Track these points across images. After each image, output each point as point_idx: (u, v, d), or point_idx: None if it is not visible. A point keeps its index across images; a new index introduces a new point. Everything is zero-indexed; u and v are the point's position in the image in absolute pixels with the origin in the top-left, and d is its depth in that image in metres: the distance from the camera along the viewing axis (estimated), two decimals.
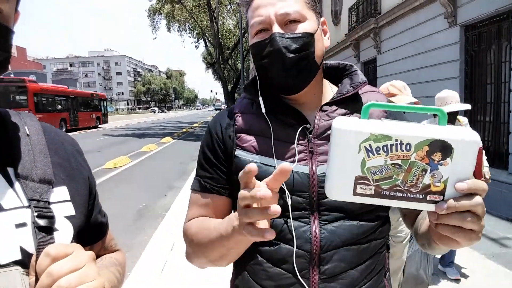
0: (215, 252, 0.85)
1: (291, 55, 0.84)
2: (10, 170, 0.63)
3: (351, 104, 0.92)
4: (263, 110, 0.91)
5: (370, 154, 0.57)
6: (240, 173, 0.62)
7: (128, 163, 11.12)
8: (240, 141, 0.93)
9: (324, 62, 1.00)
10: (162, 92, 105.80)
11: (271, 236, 0.62)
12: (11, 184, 0.62)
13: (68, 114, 24.19)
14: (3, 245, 0.56)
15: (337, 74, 1.02)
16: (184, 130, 25.88)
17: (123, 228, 5.24)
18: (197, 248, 0.90)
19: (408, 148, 0.56)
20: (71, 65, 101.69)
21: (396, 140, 0.56)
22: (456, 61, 6.47)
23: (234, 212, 0.97)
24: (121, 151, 13.68)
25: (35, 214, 0.60)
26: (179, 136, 20.89)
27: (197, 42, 31.46)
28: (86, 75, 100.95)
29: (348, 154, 0.58)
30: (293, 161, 0.86)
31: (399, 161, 0.57)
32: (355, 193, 0.59)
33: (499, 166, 5.57)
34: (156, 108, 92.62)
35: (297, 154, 0.87)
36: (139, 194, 7.25)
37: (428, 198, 0.57)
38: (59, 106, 23.47)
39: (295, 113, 0.91)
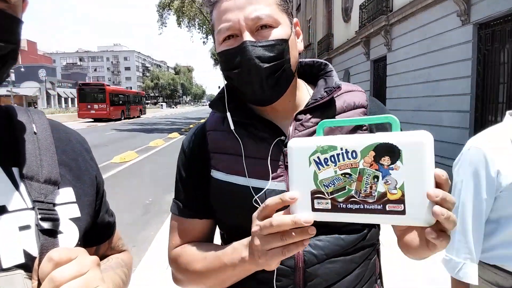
0: (216, 280, 0.82)
1: (265, 65, 0.77)
2: (15, 170, 0.61)
3: (326, 110, 0.85)
4: (232, 127, 0.85)
5: (319, 166, 0.57)
6: (271, 201, 0.61)
7: (135, 158, 11.19)
8: (214, 162, 0.88)
9: (299, 60, 0.92)
10: (170, 88, 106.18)
11: (311, 234, 0.61)
12: (15, 185, 0.60)
13: (125, 107, 33.56)
14: (7, 248, 0.55)
15: (312, 72, 0.95)
16: (191, 125, 25.94)
17: (130, 223, 5.27)
18: (194, 277, 0.87)
19: (354, 155, 0.55)
20: (80, 60, 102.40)
21: (341, 148, 0.56)
22: (468, 60, 6.37)
23: (220, 231, 0.96)
24: (128, 146, 13.76)
25: (39, 216, 0.58)
26: (186, 132, 20.92)
27: (205, 38, 31.44)
28: (95, 70, 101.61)
29: (301, 170, 0.59)
30: (268, 179, 0.81)
31: (348, 170, 0.55)
32: (313, 209, 0.59)
33: None
34: (164, 104, 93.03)
35: (270, 172, 0.81)
36: (146, 189, 7.28)
37: (387, 209, 0.53)
38: (121, 102, 32.72)
39: (268, 125, 0.85)
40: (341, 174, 0.56)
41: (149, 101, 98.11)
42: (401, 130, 0.56)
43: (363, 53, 11.79)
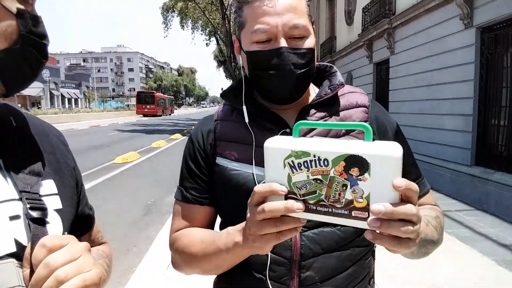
0: (210, 264, 0.86)
1: (298, 71, 0.84)
2: (0, 161, 0.62)
3: (330, 106, 0.91)
4: (247, 120, 0.90)
5: (293, 169, 0.60)
6: (260, 188, 0.62)
7: (137, 158, 11.20)
8: (220, 149, 0.93)
9: None
10: (173, 89, 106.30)
11: (299, 225, 0.63)
12: (4, 176, 0.61)
13: (163, 108, 47.99)
14: None
15: (318, 74, 1.00)
16: (194, 127, 25.94)
17: (131, 223, 5.28)
18: (190, 260, 0.90)
19: (326, 163, 0.57)
20: (84, 61, 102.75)
21: (314, 156, 0.58)
22: (471, 64, 6.34)
23: (221, 218, 0.99)
24: (131, 146, 13.78)
25: (28, 206, 0.59)
26: (189, 133, 20.91)
27: (208, 39, 31.53)
28: (98, 71, 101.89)
29: (276, 170, 0.61)
30: None
31: (319, 176, 0.58)
32: None
33: None
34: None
35: None
36: (148, 189, 7.29)
37: (353, 214, 0.57)
38: (162, 103, 47.39)
39: (274, 117, 0.91)
40: (313, 179, 0.59)
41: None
42: (373, 139, 0.59)
43: (366, 56, 11.78)
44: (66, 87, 58.65)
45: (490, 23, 5.93)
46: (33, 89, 46.35)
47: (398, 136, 0.94)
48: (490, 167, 5.91)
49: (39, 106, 46.13)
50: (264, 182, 0.63)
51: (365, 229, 0.57)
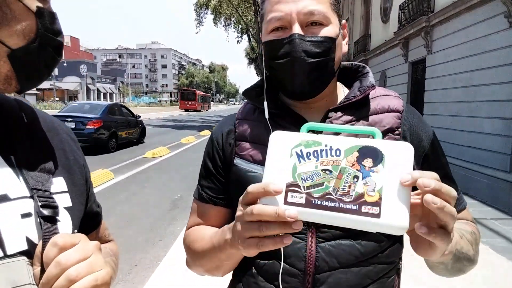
0: (210, 262, 0.83)
1: (311, 60, 0.78)
2: (12, 158, 0.62)
3: (358, 110, 0.84)
4: (267, 116, 0.85)
5: (301, 159, 0.57)
6: (254, 188, 0.57)
7: (167, 153, 11.41)
8: (239, 149, 0.89)
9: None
10: (204, 86, 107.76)
11: (286, 241, 0.57)
12: (16, 173, 0.61)
13: (202, 104, 53.61)
14: (11, 235, 0.56)
15: (350, 74, 0.95)
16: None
17: (158, 217, 5.36)
18: (194, 257, 0.89)
19: (338, 153, 0.55)
20: (119, 56, 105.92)
21: (326, 145, 0.56)
22: None
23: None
24: (161, 141, 14.04)
25: (39, 203, 0.59)
26: None
27: (240, 37, 31.64)
28: (133, 66, 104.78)
29: (280, 160, 0.58)
30: None
31: (329, 167, 0.55)
32: (286, 202, 0.56)
33: None
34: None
35: None
36: (176, 184, 7.40)
37: (363, 210, 0.52)
38: (201, 100, 53.25)
39: (298, 119, 0.85)
40: (322, 170, 0.55)
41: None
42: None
43: (401, 55, 11.43)
44: (102, 82, 60.62)
45: None
46: (71, 83, 48.31)
47: (434, 146, 0.87)
48: None
49: (76, 99, 47.97)
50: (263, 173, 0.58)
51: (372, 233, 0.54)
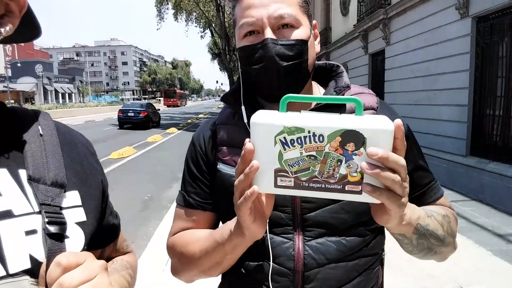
0: (209, 261, 0.82)
1: (285, 63, 0.79)
2: (22, 172, 0.60)
3: (335, 109, 0.85)
4: (245, 120, 0.86)
5: (285, 146, 0.58)
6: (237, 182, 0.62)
7: (133, 153, 11.17)
8: (222, 155, 0.89)
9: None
10: (167, 82, 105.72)
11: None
12: (22, 188, 0.59)
13: (181, 100, 64.36)
14: (13, 254, 0.53)
15: (324, 74, 0.97)
16: (189, 121, 25.89)
17: (129, 219, 5.26)
18: (188, 260, 0.87)
19: (321, 139, 0.56)
20: (77, 55, 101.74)
21: (309, 132, 0.57)
22: (466, 54, 6.34)
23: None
24: (126, 141, 13.72)
25: (46, 220, 0.57)
26: (184, 127, 20.90)
27: (203, 32, 31.26)
28: (92, 65, 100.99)
29: (265, 148, 0.59)
30: None
31: (314, 153, 0.57)
32: (276, 185, 0.60)
33: (508, 161, 5.49)
34: (161, 99, 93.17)
35: None
36: (144, 185, 7.27)
37: (346, 189, 0.58)
38: (180, 97, 63.38)
39: None
40: (307, 156, 0.58)
41: (146, 96, 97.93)
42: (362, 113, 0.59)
43: (361, 47, 11.74)
44: (60, 82, 58.13)
45: (485, 12, 5.91)
46: (26, 85, 45.95)
47: (408, 139, 0.89)
48: (485, 157, 5.95)
49: (33, 101, 45.75)
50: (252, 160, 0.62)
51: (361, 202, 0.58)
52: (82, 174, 0.70)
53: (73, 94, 62.09)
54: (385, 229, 0.88)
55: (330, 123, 0.56)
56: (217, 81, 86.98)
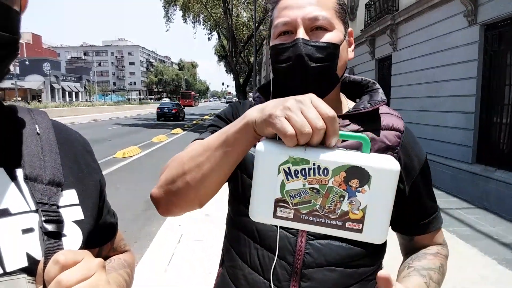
0: (211, 154, 0.70)
1: (313, 64, 0.79)
2: (19, 171, 0.60)
3: (366, 121, 0.86)
4: None
5: (289, 177, 0.57)
6: None
7: (138, 153, 11.21)
8: None
9: (347, 75, 0.96)
10: (174, 83, 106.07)
11: None
12: (18, 187, 0.59)
13: (194, 101, 75.52)
14: (9, 252, 0.54)
15: (357, 90, 0.97)
16: (194, 122, 25.96)
17: (132, 218, 5.28)
18: (183, 161, 0.74)
19: (325, 172, 0.56)
20: (85, 54, 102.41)
21: (314, 164, 0.56)
22: (474, 61, 6.31)
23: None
24: (131, 141, 13.77)
25: (43, 218, 0.57)
26: (189, 128, 20.95)
27: (210, 34, 31.38)
28: (99, 64, 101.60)
29: (268, 176, 0.58)
30: None
31: (317, 186, 0.56)
32: (275, 216, 0.59)
33: None
34: (167, 99, 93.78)
35: None
36: (149, 184, 7.25)
37: (347, 226, 0.57)
38: (193, 99, 73.61)
39: None
40: (309, 188, 0.57)
41: (152, 96, 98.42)
42: (370, 151, 0.58)
43: (368, 52, 11.73)
44: (67, 81, 58.55)
45: (494, 20, 5.89)
46: (34, 82, 46.32)
47: (424, 172, 0.91)
48: (492, 165, 5.90)
49: (40, 99, 46.07)
50: (251, 188, 0.59)
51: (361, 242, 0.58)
52: (79, 173, 0.70)
53: (80, 93, 62.52)
54: (386, 244, 0.89)
55: (336, 157, 0.56)
56: (223, 83, 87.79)
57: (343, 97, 0.95)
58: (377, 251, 0.88)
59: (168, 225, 4.78)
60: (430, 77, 7.74)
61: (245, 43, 29.05)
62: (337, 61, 0.82)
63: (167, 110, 28.05)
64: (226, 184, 0.90)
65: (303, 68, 0.79)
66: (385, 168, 0.55)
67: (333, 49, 0.81)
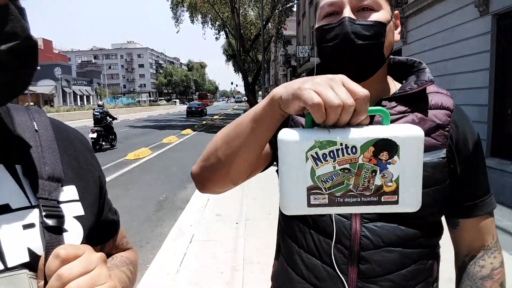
0: (232, 133, 0.75)
1: (360, 42, 0.77)
2: (18, 167, 0.60)
3: (413, 102, 0.84)
4: None
5: (318, 162, 0.56)
6: None
7: (149, 154, 11.28)
8: (294, 122, 0.92)
9: (391, 57, 0.94)
10: (183, 84, 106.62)
11: None
12: (19, 183, 0.59)
13: (210, 101, 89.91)
14: (11, 247, 0.54)
15: (402, 71, 0.95)
16: (204, 122, 26.04)
17: (144, 219, 5.31)
18: (219, 140, 0.79)
19: (354, 151, 0.55)
20: (95, 58, 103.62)
21: (341, 144, 0.55)
22: (487, 52, 6.18)
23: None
24: (142, 142, 13.88)
25: (44, 213, 0.57)
26: (199, 128, 21.04)
27: (218, 33, 31.45)
28: (109, 67, 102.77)
29: (296, 165, 0.57)
30: None
31: (347, 166, 0.56)
32: (309, 205, 0.58)
33: None
34: (177, 100, 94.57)
35: None
36: (160, 185, 7.32)
37: (383, 200, 0.57)
38: (208, 99, 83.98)
39: None
40: (340, 170, 0.56)
41: (162, 98, 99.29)
42: (390, 122, 0.58)
43: None
44: (78, 85, 59.27)
45: (507, 9, 5.75)
46: (46, 87, 47.05)
47: (477, 148, 0.89)
48: (507, 158, 5.79)
49: (52, 104, 46.75)
50: (279, 181, 0.59)
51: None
52: (79, 170, 0.70)
53: (91, 96, 63.22)
54: (443, 225, 0.90)
55: (362, 133, 0.55)
56: (231, 83, 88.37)
57: (390, 79, 0.94)
58: (432, 231, 0.87)
59: (179, 226, 4.79)
60: (441, 70, 7.62)
61: (252, 41, 29.03)
62: (383, 40, 0.81)
63: (194, 108, 37.30)
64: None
65: (350, 46, 0.78)
66: (411, 136, 0.55)
67: (380, 27, 0.79)
